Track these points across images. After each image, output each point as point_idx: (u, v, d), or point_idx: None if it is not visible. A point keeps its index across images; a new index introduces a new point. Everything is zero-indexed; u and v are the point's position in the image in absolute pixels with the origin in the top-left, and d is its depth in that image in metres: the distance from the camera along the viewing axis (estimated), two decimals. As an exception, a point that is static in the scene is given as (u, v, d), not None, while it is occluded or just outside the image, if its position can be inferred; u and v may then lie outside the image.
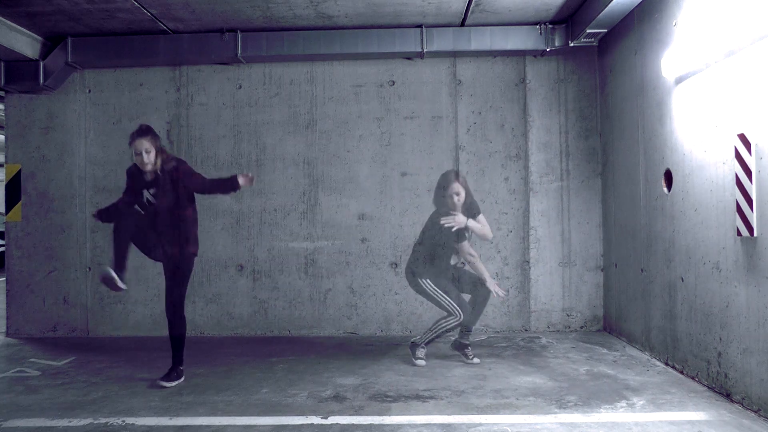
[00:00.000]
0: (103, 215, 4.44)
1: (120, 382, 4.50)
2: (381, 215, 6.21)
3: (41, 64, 6.01)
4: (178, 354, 4.45)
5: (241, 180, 4.35)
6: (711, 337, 4.05)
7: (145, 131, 4.32)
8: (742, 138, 3.59)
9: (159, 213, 4.36)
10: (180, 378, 4.40)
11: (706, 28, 4.02)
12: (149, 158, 4.27)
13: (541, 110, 6.18)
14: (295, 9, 5.44)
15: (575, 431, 3.39)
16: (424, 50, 5.92)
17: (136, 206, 4.44)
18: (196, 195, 4.52)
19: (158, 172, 4.34)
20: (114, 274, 4.15)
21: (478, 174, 6.17)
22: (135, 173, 4.44)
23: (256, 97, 6.31)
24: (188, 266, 4.50)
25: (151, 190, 4.36)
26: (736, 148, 3.65)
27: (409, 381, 4.40)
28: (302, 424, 3.54)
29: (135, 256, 4.51)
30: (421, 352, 4.90)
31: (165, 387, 4.27)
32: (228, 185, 4.44)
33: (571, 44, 5.77)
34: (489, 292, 4.81)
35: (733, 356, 3.80)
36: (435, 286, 4.79)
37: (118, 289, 4.19)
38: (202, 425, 3.55)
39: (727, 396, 3.86)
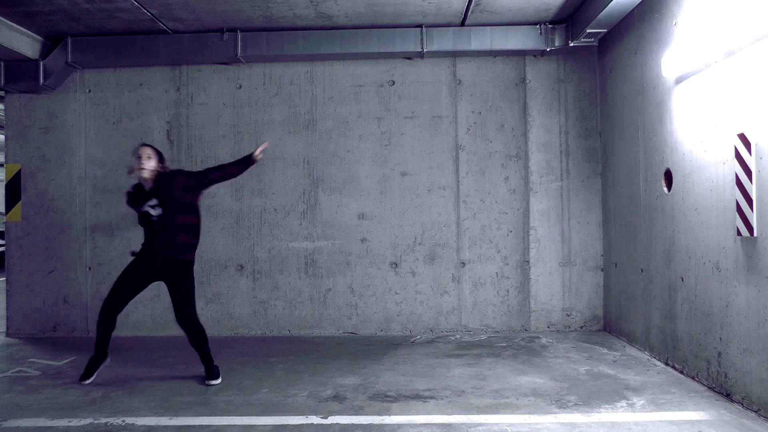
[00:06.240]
0: None
1: (120, 382, 4.50)
2: (381, 215, 6.21)
3: (41, 64, 6.02)
4: (208, 354, 4.51)
5: (256, 151, 4.62)
6: (711, 337, 4.05)
7: (149, 144, 4.55)
8: (742, 138, 3.59)
9: (159, 223, 4.35)
10: (220, 373, 4.53)
11: (706, 28, 4.02)
12: (148, 164, 4.36)
13: (541, 110, 6.18)
14: (295, 9, 5.44)
15: (575, 431, 3.39)
16: (424, 50, 5.92)
17: (140, 221, 4.46)
18: (198, 202, 4.58)
19: (157, 183, 4.40)
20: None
21: (478, 174, 6.18)
22: (133, 192, 4.51)
23: (256, 97, 6.31)
24: (188, 275, 4.46)
25: (152, 202, 4.38)
26: (736, 148, 3.65)
27: (409, 381, 4.41)
28: (302, 424, 3.54)
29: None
30: None
31: (215, 384, 4.38)
32: (243, 161, 4.61)
33: (571, 44, 5.77)
34: None
35: (733, 356, 3.80)
36: None
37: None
38: (202, 425, 3.55)
39: (727, 396, 3.86)
